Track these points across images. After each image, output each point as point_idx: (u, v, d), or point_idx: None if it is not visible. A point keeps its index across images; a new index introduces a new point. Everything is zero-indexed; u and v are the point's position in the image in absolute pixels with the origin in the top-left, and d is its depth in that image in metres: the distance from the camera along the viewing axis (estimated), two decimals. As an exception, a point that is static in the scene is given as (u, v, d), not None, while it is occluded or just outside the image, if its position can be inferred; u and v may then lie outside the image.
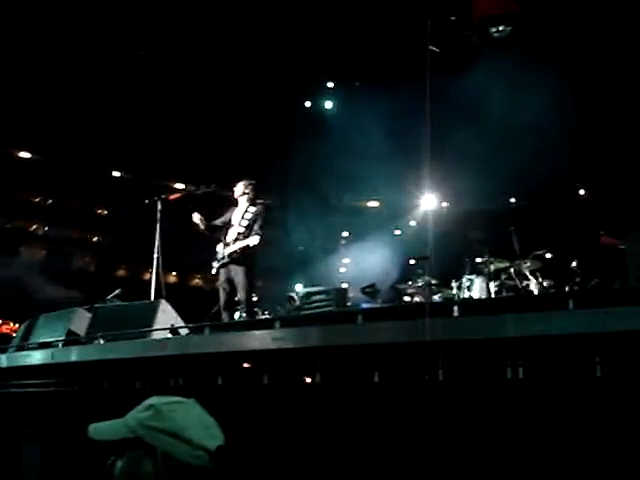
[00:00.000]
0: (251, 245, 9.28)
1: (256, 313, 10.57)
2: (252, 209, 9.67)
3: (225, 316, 9.46)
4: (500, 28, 13.64)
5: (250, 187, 9.89)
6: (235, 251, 9.36)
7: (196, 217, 9.72)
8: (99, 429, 2.01)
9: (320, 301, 10.28)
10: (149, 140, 20.91)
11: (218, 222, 9.83)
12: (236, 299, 9.72)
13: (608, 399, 5.03)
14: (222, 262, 9.49)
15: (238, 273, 9.40)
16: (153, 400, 2.07)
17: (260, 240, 9.30)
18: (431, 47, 14.61)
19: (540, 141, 15.19)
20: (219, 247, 9.60)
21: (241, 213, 9.70)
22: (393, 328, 5.63)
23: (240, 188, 9.86)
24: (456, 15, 14.30)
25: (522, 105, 14.01)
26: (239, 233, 9.51)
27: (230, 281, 9.50)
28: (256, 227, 9.48)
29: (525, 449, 5.27)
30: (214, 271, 9.70)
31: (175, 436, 1.97)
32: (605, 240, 10.54)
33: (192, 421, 2.02)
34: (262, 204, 9.82)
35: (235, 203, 9.95)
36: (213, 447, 2.01)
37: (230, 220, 9.75)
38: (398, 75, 15.02)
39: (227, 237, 9.62)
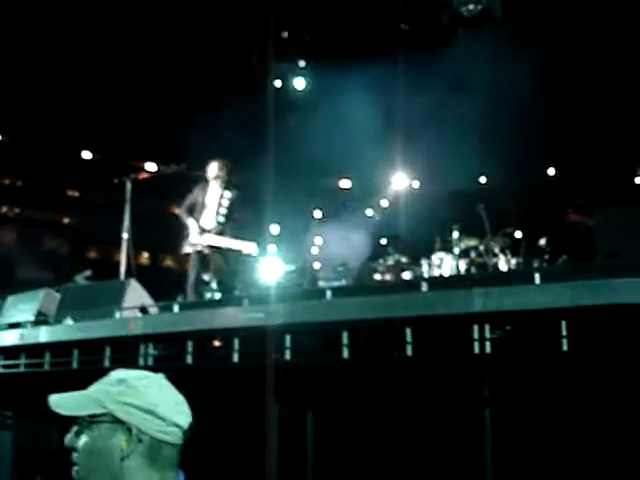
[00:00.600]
0: (245, 252, 9.18)
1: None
2: (228, 194, 9.50)
3: (193, 297, 9.35)
4: (470, 7, 13.60)
5: (225, 169, 9.67)
6: (218, 246, 9.23)
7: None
8: (63, 403, 1.96)
9: (292, 280, 10.31)
10: (119, 120, 20.72)
11: (187, 204, 9.67)
12: (207, 280, 9.65)
13: (574, 373, 5.08)
14: (199, 249, 9.36)
15: (216, 259, 9.34)
16: (120, 374, 2.03)
17: (257, 248, 9.23)
18: (402, 25, 14.59)
19: (510, 120, 15.26)
20: (193, 227, 9.38)
21: (217, 197, 9.49)
22: (361, 304, 5.64)
23: (214, 169, 9.62)
24: None
25: (492, 85, 14.06)
26: (219, 223, 9.36)
27: (204, 264, 9.40)
28: (235, 216, 9.40)
29: (492, 424, 5.32)
30: (185, 251, 9.58)
31: (150, 412, 1.95)
32: (573, 217, 10.64)
33: (165, 397, 2.01)
34: (237, 189, 9.71)
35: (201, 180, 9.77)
36: (185, 424, 2.01)
37: (203, 202, 9.54)
38: (370, 54, 14.98)
39: (203, 222, 9.42)
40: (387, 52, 14.65)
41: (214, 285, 9.63)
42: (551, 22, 14.04)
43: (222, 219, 9.41)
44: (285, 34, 17.42)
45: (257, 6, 15.90)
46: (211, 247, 9.33)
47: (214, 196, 9.54)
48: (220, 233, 9.37)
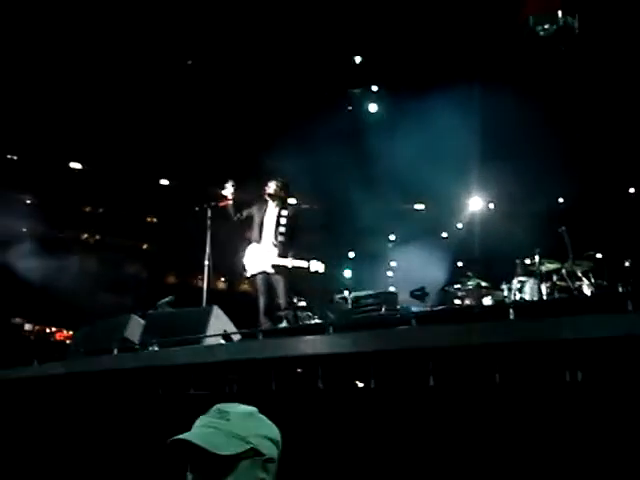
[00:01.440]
0: (311, 269, 9.04)
1: (300, 318, 10.40)
2: (285, 212, 9.42)
3: (265, 322, 9.24)
4: (546, 26, 13.48)
5: (283, 188, 9.61)
6: (284, 266, 9.10)
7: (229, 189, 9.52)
8: (214, 442, 1.92)
9: (370, 305, 10.22)
10: (197, 147, 21.07)
11: (244, 214, 9.59)
12: (279, 304, 9.55)
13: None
14: (262, 270, 9.24)
15: (279, 281, 9.21)
16: (234, 406, 2.03)
17: (324, 267, 9.10)
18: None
19: (588, 140, 15.03)
20: (254, 248, 9.27)
21: (274, 216, 9.37)
22: (446, 331, 5.60)
23: (272, 188, 9.54)
24: (504, 18, 14.16)
25: (568, 105, 13.88)
26: (280, 242, 9.26)
27: (271, 287, 9.29)
28: (296, 234, 9.33)
29: (590, 450, 5.21)
30: (249, 274, 9.46)
31: (276, 443, 1.99)
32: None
33: (273, 426, 2.05)
34: (294, 207, 9.62)
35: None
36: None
37: (262, 222, 9.43)
38: (443, 79, 14.97)
39: (263, 242, 9.33)
40: (461, 76, 14.62)
41: (280, 311, 9.48)
42: (629, 40, 13.81)
43: (282, 238, 9.31)
44: (358, 59, 17.56)
45: (330, 31, 16.09)
46: (274, 267, 9.23)
47: (272, 215, 9.46)
48: (282, 253, 9.28)
